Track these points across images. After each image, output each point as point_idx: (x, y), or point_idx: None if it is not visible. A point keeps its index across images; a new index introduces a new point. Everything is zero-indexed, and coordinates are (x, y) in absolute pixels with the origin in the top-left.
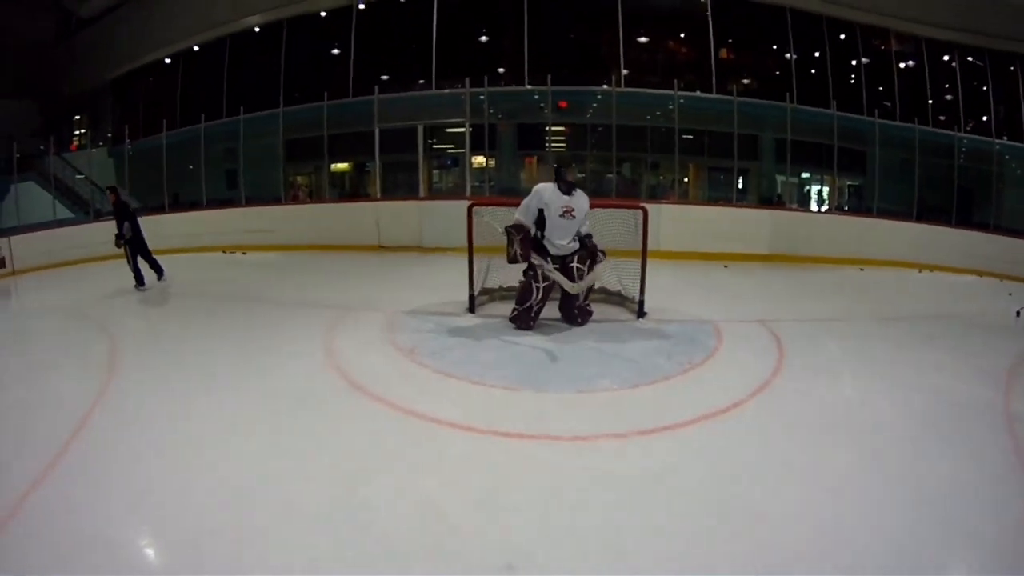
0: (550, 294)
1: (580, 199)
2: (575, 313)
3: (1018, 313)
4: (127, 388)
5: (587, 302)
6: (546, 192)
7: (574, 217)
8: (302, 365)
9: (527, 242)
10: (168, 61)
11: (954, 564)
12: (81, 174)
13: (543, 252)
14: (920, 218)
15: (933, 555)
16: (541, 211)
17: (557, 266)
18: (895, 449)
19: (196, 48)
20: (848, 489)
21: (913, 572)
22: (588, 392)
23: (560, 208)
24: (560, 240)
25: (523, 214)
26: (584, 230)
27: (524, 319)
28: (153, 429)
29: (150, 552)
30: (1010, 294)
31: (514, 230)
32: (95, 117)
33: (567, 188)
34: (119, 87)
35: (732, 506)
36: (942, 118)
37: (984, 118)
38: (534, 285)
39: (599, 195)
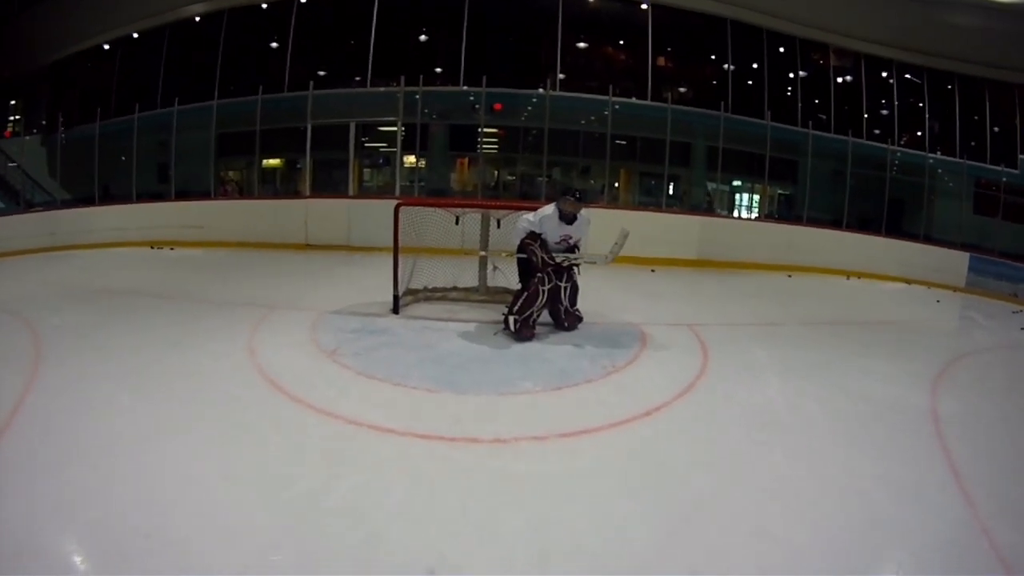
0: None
1: (580, 227)
2: (563, 317)
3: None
4: (50, 386)
5: (576, 308)
6: (546, 223)
7: (570, 244)
8: (224, 365)
9: (544, 245)
10: (107, 47)
11: (889, 559)
12: (13, 162)
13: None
14: (850, 227)
15: (868, 552)
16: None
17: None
18: (826, 449)
19: (135, 35)
20: (782, 489)
21: (850, 570)
22: (509, 395)
23: (557, 237)
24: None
25: (527, 225)
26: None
27: (528, 329)
28: (76, 429)
29: (74, 559)
30: (938, 301)
31: (530, 239)
32: (31, 102)
33: (569, 219)
34: (57, 72)
35: (661, 508)
36: (877, 132)
37: (919, 133)
38: (541, 289)
39: (529, 198)
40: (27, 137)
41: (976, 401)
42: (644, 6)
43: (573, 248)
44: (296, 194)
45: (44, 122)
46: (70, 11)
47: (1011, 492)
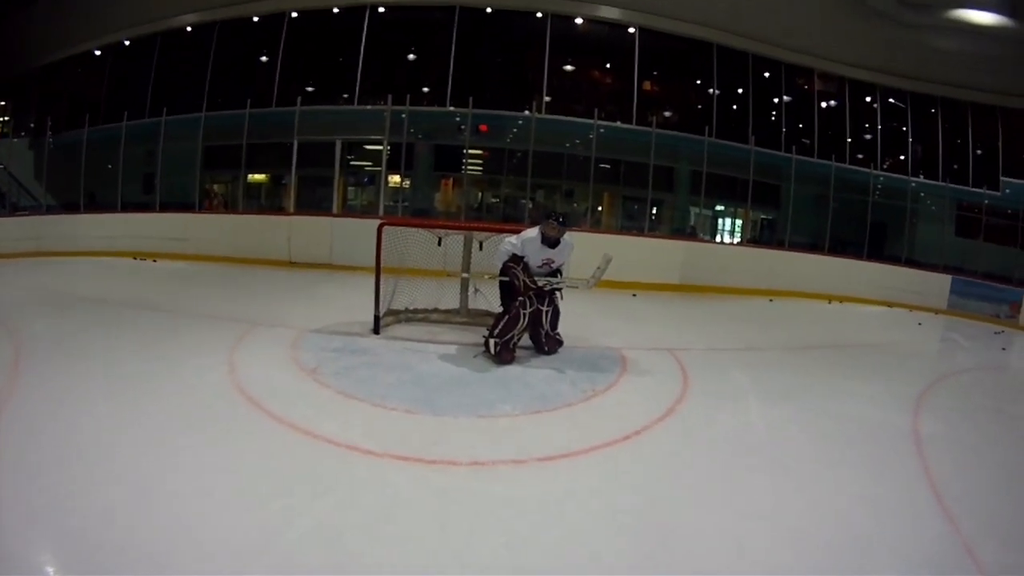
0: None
1: (562, 251)
2: (543, 341)
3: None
4: (28, 394)
5: (557, 332)
6: (529, 247)
7: (552, 268)
8: (204, 380)
9: (526, 269)
10: (98, 53)
11: None
12: (1, 164)
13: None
14: (832, 251)
15: (853, 572)
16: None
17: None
18: (808, 470)
19: (127, 42)
20: (764, 510)
21: None
22: (489, 417)
23: (539, 261)
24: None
25: (510, 247)
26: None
27: (508, 352)
28: (53, 438)
29: (47, 568)
30: (920, 324)
31: (512, 262)
32: (20, 104)
33: (552, 243)
34: (47, 75)
35: (640, 531)
36: (860, 156)
37: (902, 157)
38: (522, 313)
39: (512, 220)
40: (15, 140)
41: (958, 421)
42: (631, 30)
43: (555, 272)
44: (280, 210)
45: (32, 125)
46: (63, 14)
47: (993, 510)
